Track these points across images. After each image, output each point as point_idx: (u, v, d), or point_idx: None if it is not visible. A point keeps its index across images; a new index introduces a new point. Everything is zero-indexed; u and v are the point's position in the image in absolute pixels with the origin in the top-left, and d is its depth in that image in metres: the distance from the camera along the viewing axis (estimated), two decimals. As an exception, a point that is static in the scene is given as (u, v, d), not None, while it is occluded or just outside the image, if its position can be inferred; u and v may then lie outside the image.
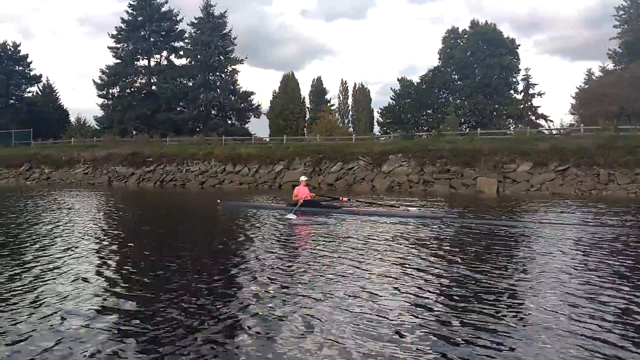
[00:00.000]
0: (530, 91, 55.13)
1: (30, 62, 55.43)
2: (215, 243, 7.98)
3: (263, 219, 11.05)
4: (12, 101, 54.23)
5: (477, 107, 54.14)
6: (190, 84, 45.95)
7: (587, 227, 9.74)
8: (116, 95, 46.97)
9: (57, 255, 6.60)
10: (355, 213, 11.73)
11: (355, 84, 65.96)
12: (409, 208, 12.08)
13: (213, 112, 46.06)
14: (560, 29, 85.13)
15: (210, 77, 45.32)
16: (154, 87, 46.23)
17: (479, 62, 53.89)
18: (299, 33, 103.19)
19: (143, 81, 46.71)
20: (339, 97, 66.29)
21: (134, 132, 44.41)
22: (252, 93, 47.16)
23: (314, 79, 65.36)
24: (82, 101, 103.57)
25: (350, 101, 65.41)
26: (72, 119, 55.23)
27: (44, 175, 35.68)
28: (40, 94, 56.01)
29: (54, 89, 57.13)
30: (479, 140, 26.05)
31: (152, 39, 46.41)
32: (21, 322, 3.80)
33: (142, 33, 46.21)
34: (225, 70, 45.63)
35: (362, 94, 65.29)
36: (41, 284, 5.01)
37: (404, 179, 24.89)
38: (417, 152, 25.60)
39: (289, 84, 66.67)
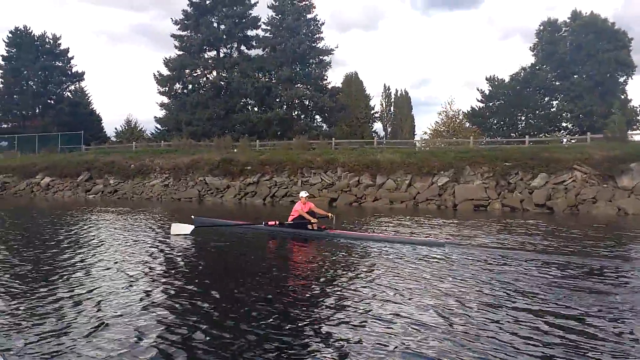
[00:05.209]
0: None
1: (72, 58, 48.45)
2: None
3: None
4: (50, 101, 47.17)
5: (586, 109, 46.55)
6: (267, 78, 38.42)
7: None
8: (179, 92, 39.44)
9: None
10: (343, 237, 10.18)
11: (397, 90, 64.35)
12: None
13: (295, 112, 38.39)
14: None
15: (296, 71, 37.45)
16: (222, 83, 38.69)
17: (589, 58, 46.45)
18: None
19: (213, 75, 39.02)
20: (381, 104, 64.24)
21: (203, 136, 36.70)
22: (341, 90, 39.49)
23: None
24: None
25: (392, 108, 63.97)
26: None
27: (109, 188, 28.24)
28: (71, 96, 48.64)
29: (85, 90, 49.88)
30: None
31: (222, 27, 38.94)
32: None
33: (212, 19, 38.81)
34: (313, 62, 37.87)
35: (404, 100, 64.06)
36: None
37: (670, 199, 17.14)
38: (674, 160, 17.86)
39: (353, 84, 59.60)
